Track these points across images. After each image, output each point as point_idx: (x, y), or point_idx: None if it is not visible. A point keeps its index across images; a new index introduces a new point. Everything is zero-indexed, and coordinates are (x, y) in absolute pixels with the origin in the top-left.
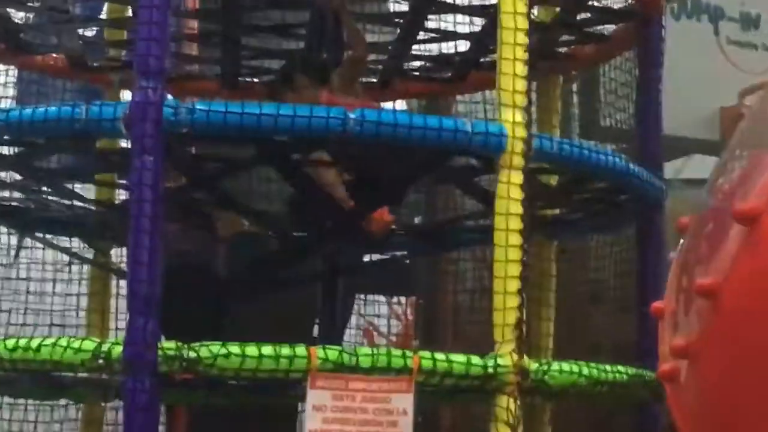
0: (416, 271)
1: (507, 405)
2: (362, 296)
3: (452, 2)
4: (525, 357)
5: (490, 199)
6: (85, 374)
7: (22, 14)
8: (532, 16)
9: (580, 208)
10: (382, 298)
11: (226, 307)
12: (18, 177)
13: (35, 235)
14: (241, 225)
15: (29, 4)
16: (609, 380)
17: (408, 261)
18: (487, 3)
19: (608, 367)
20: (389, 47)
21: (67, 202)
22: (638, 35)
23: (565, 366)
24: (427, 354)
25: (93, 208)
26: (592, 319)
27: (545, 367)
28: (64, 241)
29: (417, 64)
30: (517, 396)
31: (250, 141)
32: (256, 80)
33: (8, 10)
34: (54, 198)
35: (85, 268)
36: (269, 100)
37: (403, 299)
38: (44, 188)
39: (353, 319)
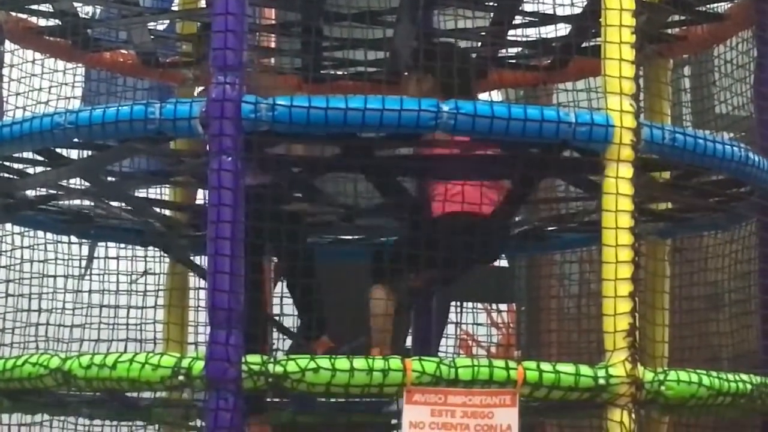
0: (516, 275)
1: (620, 419)
2: (458, 304)
3: None
4: (639, 366)
5: (599, 192)
6: (163, 393)
7: (89, 9)
8: None
9: (695, 203)
10: (479, 306)
11: None
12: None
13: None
14: None
15: None
16: (732, 391)
17: (507, 265)
18: None
19: (731, 376)
20: (483, 33)
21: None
22: (756, 12)
23: (683, 375)
24: (532, 364)
25: (167, 213)
26: (710, 325)
27: (661, 377)
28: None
29: (513, 51)
30: (631, 409)
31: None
32: (339, 73)
33: (75, 4)
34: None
35: (162, 278)
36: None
37: (502, 306)
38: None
39: (448, 329)
